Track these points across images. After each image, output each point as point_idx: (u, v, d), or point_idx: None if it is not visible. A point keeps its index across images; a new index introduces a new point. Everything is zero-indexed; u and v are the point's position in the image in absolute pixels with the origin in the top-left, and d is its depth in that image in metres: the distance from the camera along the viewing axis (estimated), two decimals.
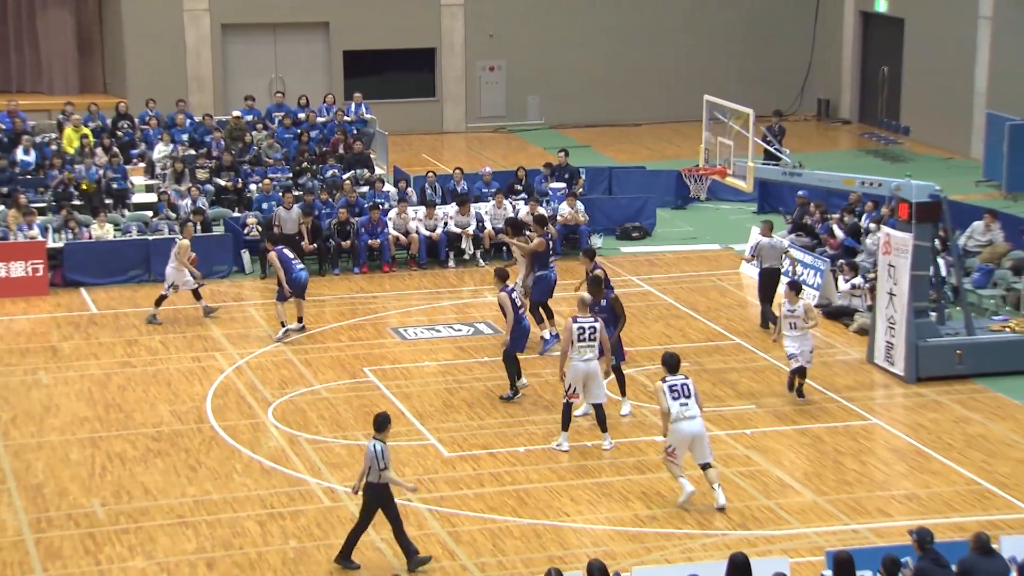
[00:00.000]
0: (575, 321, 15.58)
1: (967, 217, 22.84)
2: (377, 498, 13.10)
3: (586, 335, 15.52)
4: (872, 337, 19.03)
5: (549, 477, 15.43)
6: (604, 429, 16.07)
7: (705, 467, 14.47)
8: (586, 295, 16.35)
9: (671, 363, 14.42)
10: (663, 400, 14.20)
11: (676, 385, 14.22)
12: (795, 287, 17.60)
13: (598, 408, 15.94)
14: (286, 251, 20.19)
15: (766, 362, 19.22)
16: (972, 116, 31.02)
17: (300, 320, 20.29)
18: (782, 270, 20.26)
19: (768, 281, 20.31)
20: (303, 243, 23.33)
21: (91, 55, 35.08)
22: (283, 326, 20.11)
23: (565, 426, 15.97)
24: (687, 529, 14.16)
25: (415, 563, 13.24)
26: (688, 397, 14.17)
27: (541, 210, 23.48)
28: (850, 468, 15.68)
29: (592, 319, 15.68)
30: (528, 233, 20.18)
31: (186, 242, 21.12)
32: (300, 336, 20.13)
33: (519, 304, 17.61)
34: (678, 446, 14.24)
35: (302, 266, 20.38)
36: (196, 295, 21.17)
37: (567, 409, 15.90)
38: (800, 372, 17.51)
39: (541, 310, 19.39)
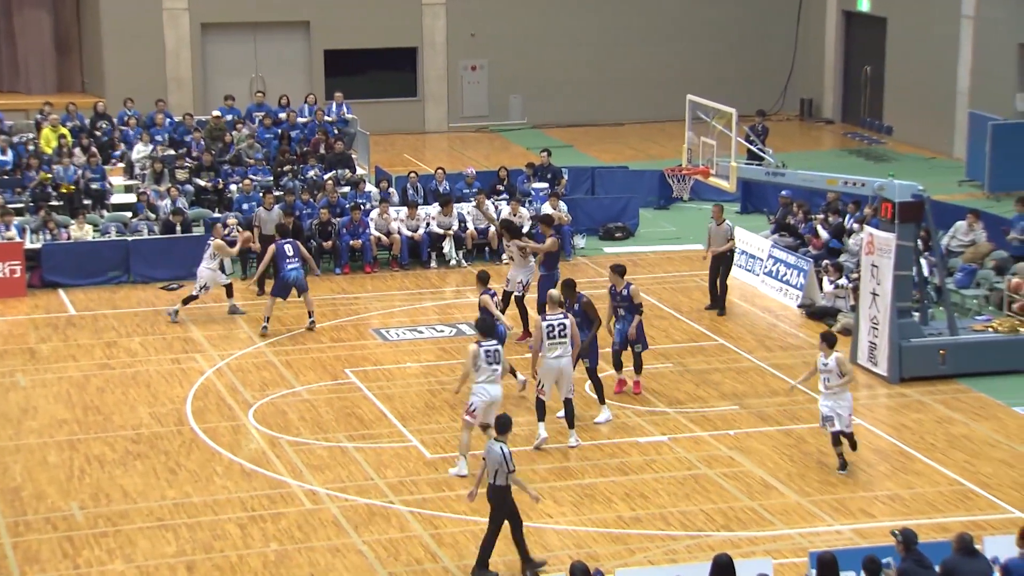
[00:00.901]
0: (544, 319, 15.89)
1: (950, 217, 22.93)
2: (504, 500, 12.99)
3: (555, 332, 15.78)
4: (855, 337, 19.10)
5: (531, 479, 15.43)
6: (571, 426, 16.21)
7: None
8: (555, 292, 16.58)
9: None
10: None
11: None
12: (829, 340, 15.40)
13: (567, 403, 16.10)
14: (287, 247, 20.31)
15: (749, 363, 19.26)
16: (955, 115, 31.16)
17: (311, 315, 20.57)
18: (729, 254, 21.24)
19: (715, 265, 21.32)
20: None
21: (69, 54, 34.96)
22: (266, 319, 20.42)
23: (541, 417, 16.16)
24: (670, 530, 14.19)
25: (531, 567, 13.12)
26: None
27: (547, 208, 23.38)
28: (834, 468, 15.72)
29: (562, 315, 15.94)
30: (523, 237, 20.15)
31: (220, 241, 21.22)
32: (303, 331, 20.37)
33: (500, 308, 17.93)
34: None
35: (295, 266, 20.31)
36: (228, 292, 21.38)
37: (540, 404, 16.07)
38: (839, 437, 15.45)
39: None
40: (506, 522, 13.07)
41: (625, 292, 17.27)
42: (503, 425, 13.17)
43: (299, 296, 20.66)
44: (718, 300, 21.38)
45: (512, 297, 19.74)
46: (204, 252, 21.11)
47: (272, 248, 20.50)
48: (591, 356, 16.81)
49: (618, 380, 17.70)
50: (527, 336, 19.37)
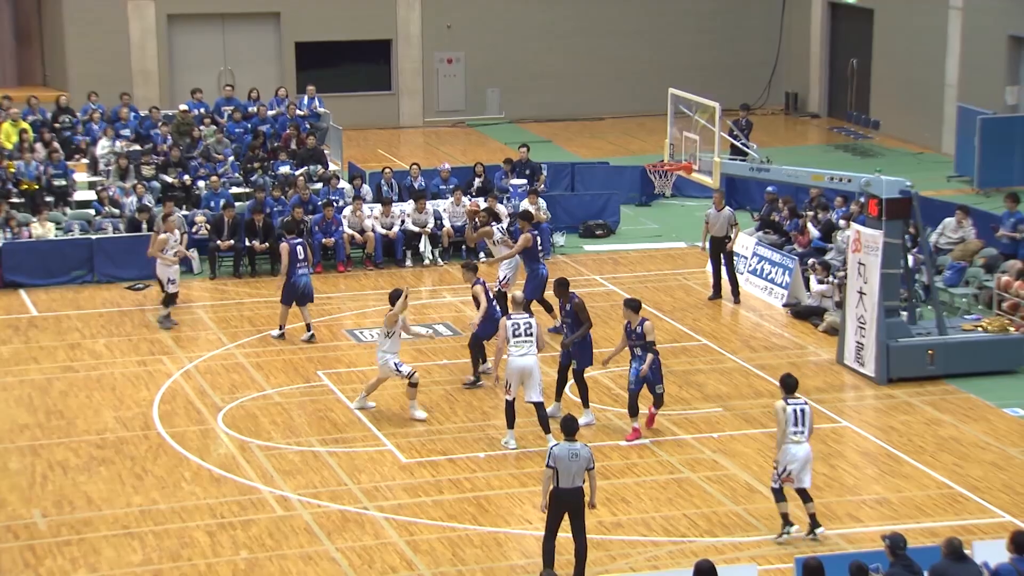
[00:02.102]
0: (509, 318, 16.05)
1: (938, 213, 23.04)
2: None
3: (521, 331, 15.93)
4: (842, 337, 19.16)
5: (511, 483, 15.43)
6: (546, 430, 16.15)
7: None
8: (519, 294, 16.80)
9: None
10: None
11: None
12: (789, 385, 13.99)
13: (538, 407, 16.12)
14: (298, 248, 19.82)
15: (734, 363, 19.31)
16: (943, 109, 31.30)
17: (309, 328, 19.92)
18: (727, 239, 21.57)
19: (716, 252, 21.69)
20: (255, 243, 23.28)
21: (29, 45, 34.75)
22: (280, 328, 19.99)
23: (510, 424, 16.19)
24: (653, 536, 14.21)
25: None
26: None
27: (526, 205, 23.38)
28: (820, 472, 15.77)
29: (527, 315, 16.09)
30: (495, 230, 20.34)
31: (165, 236, 20.64)
32: (306, 342, 19.89)
33: (491, 296, 18.11)
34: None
35: (304, 271, 19.87)
36: (168, 300, 20.61)
37: (509, 407, 16.12)
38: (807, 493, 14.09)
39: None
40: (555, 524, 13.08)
41: (639, 330, 16.35)
42: (570, 428, 13.09)
43: (300, 305, 19.91)
44: (733, 290, 21.82)
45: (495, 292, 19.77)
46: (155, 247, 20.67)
47: (286, 247, 19.84)
48: (581, 358, 16.81)
49: (633, 428, 16.56)
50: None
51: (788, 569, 13.22)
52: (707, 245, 22.03)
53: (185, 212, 24.72)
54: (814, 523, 13.97)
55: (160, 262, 20.60)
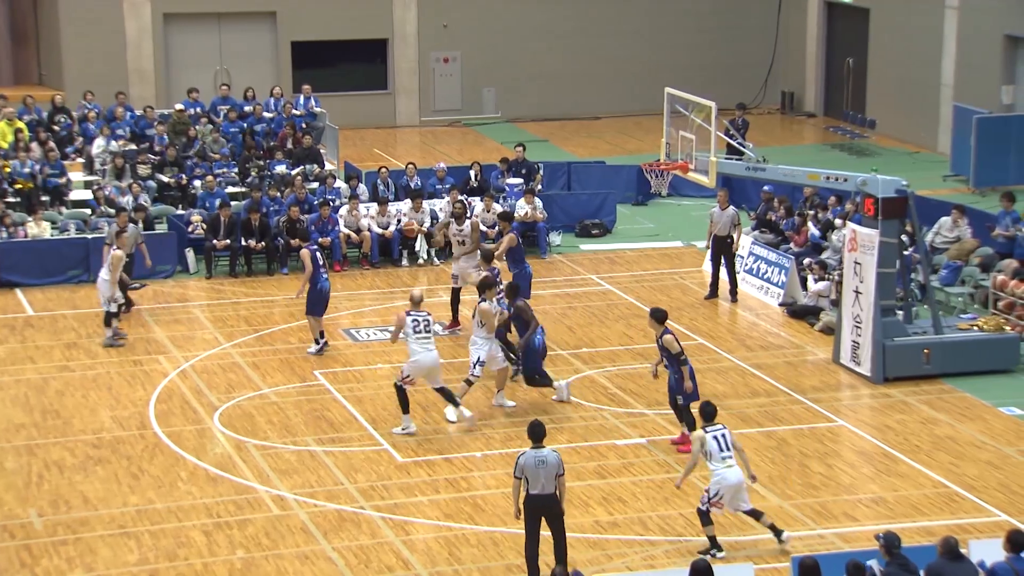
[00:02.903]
0: (408, 315, 16.46)
1: (934, 213, 23.06)
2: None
3: (421, 327, 16.40)
4: (838, 336, 19.18)
5: (507, 483, 15.43)
6: (455, 403, 16.71)
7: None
8: (417, 292, 16.97)
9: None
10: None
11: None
12: (706, 413, 13.89)
13: (440, 390, 16.66)
14: (318, 254, 19.30)
15: (730, 362, 19.32)
16: (939, 109, 31.33)
17: (322, 335, 19.38)
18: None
19: (717, 251, 21.75)
20: (251, 242, 23.28)
21: (25, 45, 34.74)
22: (316, 342, 19.33)
23: (405, 409, 16.57)
24: (649, 535, 14.22)
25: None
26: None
27: (497, 206, 23.53)
28: (816, 471, 15.80)
29: (425, 312, 16.53)
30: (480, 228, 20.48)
31: (120, 253, 19.75)
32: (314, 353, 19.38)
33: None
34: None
35: (326, 275, 19.49)
36: (115, 315, 19.73)
37: (403, 392, 16.48)
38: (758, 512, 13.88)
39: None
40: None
41: (659, 342, 15.89)
42: (537, 433, 13.09)
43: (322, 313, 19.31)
44: (732, 289, 21.83)
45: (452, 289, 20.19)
46: (103, 260, 19.84)
47: (307, 253, 19.08)
48: (528, 360, 17.14)
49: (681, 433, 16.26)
50: (455, 325, 20.13)
51: (784, 568, 13.24)
52: (709, 243, 22.03)
53: (181, 211, 24.74)
54: (776, 532, 13.80)
55: (106, 278, 19.56)
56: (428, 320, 16.50)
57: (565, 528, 13.08)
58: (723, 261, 21.88)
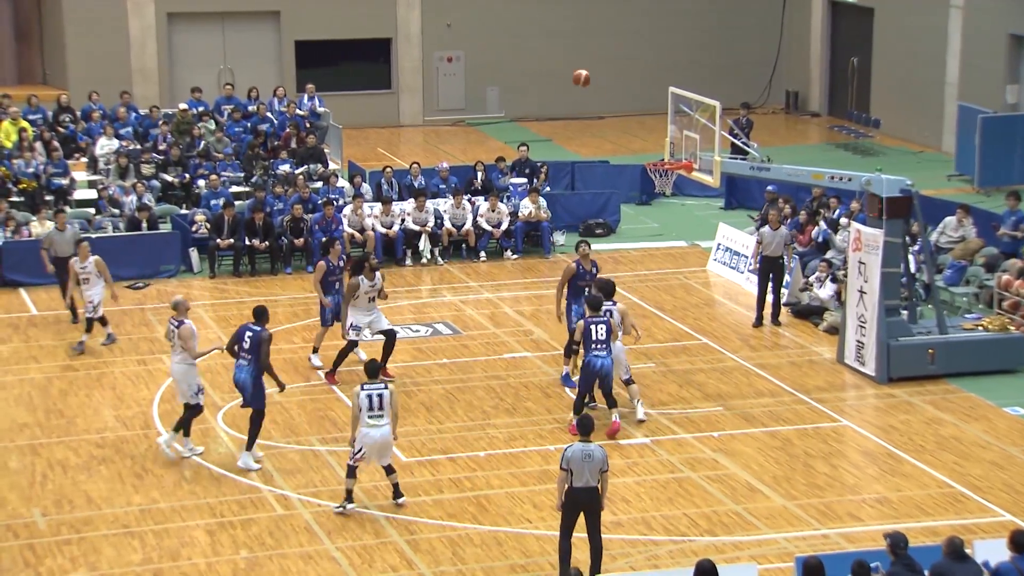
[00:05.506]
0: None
1: (939, 212, 23.04)
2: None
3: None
4: (842, 336, 19.17)
5: (511, 483, 15.44)
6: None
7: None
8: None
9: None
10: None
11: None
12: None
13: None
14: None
15: (734, 362, 19.31)
16: (944, 108, 31.30)
17: (316, 351, 18.89)
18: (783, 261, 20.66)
19: (766, 272, 20.59)
20: (255, 241, 23.27)
21: (30, 44, 34.77)
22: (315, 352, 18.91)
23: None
24: (653, 535, 14.22)
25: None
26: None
27: (503, 206, 23.32)
28: (820, 471, 15.79)
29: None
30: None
31: (93, 256, 19.43)
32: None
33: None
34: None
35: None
36: (88, 325, 19.48)
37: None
38: None
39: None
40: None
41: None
42: (586, 426, 13.12)
43: (331, 325, 18.75)
44: (775, 312, 20.68)
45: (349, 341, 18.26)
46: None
47: (323, 266, 18.58)
48: (253, 399, 15.70)
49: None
50: (333, 379, 18.32)
51: (788, 568, 13.23)
52: (756, 264, 20.99)
53: (185, 211, 24.75)
54: (397, 493, 14.67)
55: (84, 290, 19.43)
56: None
57: (601, 526, 13.06)
58: (769, 283, 20.66)
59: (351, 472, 14.60)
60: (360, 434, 14.42)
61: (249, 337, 15.73)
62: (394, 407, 14.54)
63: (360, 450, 14.47)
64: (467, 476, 15.65)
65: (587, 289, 17.62)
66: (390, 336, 18.21)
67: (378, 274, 18.14)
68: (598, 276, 17.88)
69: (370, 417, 14.39)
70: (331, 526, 14.44)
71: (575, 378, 17.36)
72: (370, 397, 14.39)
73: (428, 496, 15.10)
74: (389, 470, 14.76)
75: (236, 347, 15.87)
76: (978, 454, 16.30)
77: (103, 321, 19.86)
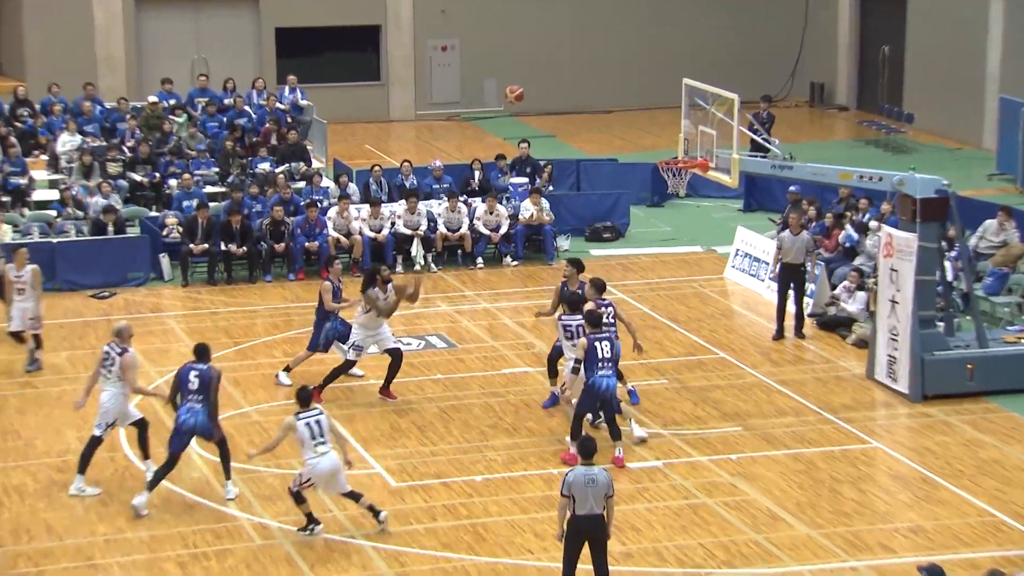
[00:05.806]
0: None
1: (978, 215, 23.10)
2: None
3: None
4: (872, 350, 19.20)
5: (510, 510, 15.47)
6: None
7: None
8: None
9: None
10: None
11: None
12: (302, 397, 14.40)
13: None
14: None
15: (754, 378, 19.35)
16: (984, 102, 31.40)
17: (288, 370, 18.91)
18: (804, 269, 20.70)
19: (786, 280, 20.62)
20: (231, 247, 23.31)
21: None
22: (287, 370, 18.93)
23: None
24: (666, 567, 14.24)
25: None
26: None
27: (501, 208, 23.42)
28: (848, 498, 15.82)
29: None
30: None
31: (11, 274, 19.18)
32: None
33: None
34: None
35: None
36: (36, 342, 19.40)
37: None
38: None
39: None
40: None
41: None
42: (588, 449, 13.08)
43: (325, 351, 18.78)
44: (798, 324, 20.73)
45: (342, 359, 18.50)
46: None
47: (328, 286, 18.52)
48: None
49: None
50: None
51: None
52: (776, 272, 20.97)
53: (155, 213, 24.80)
54: (375, 512, 14.75)
55: (17, 301, 19.31)
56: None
57: (608, 557, 13.06)
58: (790, 291, 20.69)
59: (299, 499, 14.65)
60: (307, 467, 14.55)
61: (196, 376, 15.46)
62: (335, 429, 14.78)
63: (308, 480, 14.59)
64: (463, 502, 15.68)
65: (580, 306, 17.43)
66: (396, 356, 18.32)
67: (390, 286, 18.17)
68: (592, 278, 17.77)
69: (316, 446, 14.51)
70: (314, 557, 14.45)
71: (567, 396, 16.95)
72: (308, 425, 14.54)
73: (420, 524, 15.12)
74: (354, 496, 14.80)
75: (180, 393, 15.54)
76: (1021, 479, 16.32)
77: (36, 341, 19.42)
